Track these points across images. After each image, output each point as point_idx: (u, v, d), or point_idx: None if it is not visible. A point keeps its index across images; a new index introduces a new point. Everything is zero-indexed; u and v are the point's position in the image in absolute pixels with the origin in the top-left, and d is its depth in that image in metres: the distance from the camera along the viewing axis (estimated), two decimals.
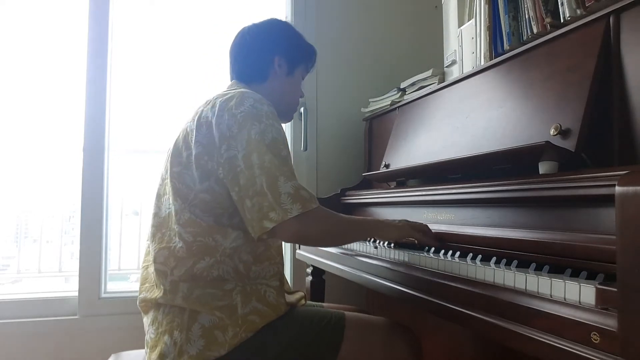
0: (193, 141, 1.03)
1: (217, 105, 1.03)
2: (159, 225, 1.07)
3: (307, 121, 2.15)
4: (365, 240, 1.43)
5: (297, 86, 1.27)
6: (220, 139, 0.99)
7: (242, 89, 1.09)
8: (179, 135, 1.09)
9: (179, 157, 1.05)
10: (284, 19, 1.33)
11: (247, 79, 1.20)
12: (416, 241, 1.18)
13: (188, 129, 1.07)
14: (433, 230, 1.19)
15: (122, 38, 2.11)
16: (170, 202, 1.05)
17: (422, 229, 1.18)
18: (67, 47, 2.10)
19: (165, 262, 1.01)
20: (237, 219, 1.01)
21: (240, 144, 0.98)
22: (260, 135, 0.98)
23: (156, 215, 1.09)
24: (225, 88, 1.20)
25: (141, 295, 1.07)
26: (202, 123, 1.03)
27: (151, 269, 1.05)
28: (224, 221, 1.02)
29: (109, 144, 2.03)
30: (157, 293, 1.02)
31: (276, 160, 0.97)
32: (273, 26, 1.24)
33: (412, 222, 1.19)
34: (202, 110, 1.06)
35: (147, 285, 1.08)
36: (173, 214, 1.03)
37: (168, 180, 1.06)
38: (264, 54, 1.20)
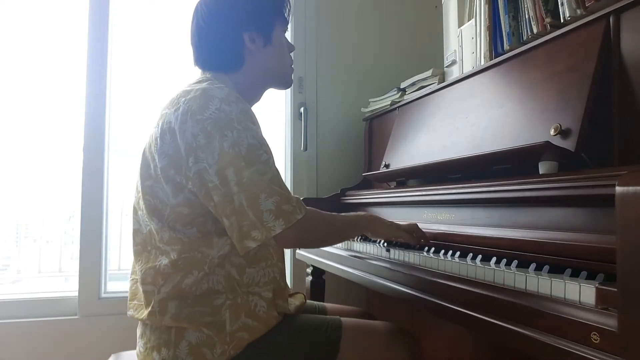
0: (157, 152, 0.94)
1: (180, 107, 0.93)
2: (143, 243, 1.01)
3: (307, 121, 2.15)
4: (356, 236, 1.45)
5: (282, 48, 1.11)
6: (187, 150, 0.90)
7: (205, 85, 0.96)
8: (146, 144, 1.01)
9: (148, 169, 0.98)
10: None
11: (222, 68, 1.07)
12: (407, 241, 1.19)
13: (153, 137, 0.97)
14: (433, 231, 1.20)
15: (122, 38, 2.11)
16: (147, 220, 0.99)
17: (411, 229, 1.17)
18: (67, 47, 2.10)
19: (153, 282, 0.96)
20: (221, 224, 0.93)
21: (210, 156, 0.89)
22: (234, 147, 0.89)
23: (138, 231, 1.02)
24: (199, 76, 1.08)
25: (129, 312, 1.03)
26: (165, 130, 0.94)
27: (140, 287, 1.00)
28: (209, 228, 0.95)
29: (109, 144, 2.03)
30: (145, 313, 0.97)
31: (256, 175, 0.89)
32: None
33: (402, 223, 1.19)
34: (166, 114, 0.96)
35: (135, 302, 1.03)
36: (154, 232, 0.97)
37: (141, 196, 0.99)
38: (229, 36, 1.05)
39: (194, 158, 0.90)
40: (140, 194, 1.00)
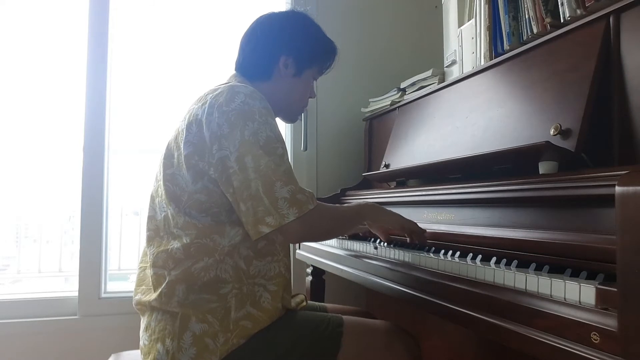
0: (183, 141, 1.00)
1: (208, 102, 1.00)
2: (156, 229, 1.05)
3: (307, 121, 2.15)
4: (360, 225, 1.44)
5: (305, 88, 1.20)
6: (211, 138, 0.97)
7: (232, 83, 1.05)
8: (171, 137, 1.07)
9: (171, 159, 1.03)
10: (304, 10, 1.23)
11: (249, 75, 1.15)
12: (407, 238, 1.19)
13: (179, 129, 1.04)
14: (433, 231, 1.19)
15: (122, 38, 2.11)
16: (164, 205, 1.03)
17: (412, 227, 1.18)
18: (67, 47, 2.10)
19: (164, 265, 1.00)
20: (235, 216, 0.99)
21: (232, 144, 0.95)
22: (253, 136, 0.95)
23: (152, 218, 1.07)
24: (226, 79, 1.17)
25: (136, 297, 1.06)
26: (192, 122, 1.00)
27: (149, 271, 1.03)
28: (222, 219, 0.99)
29: (109, 144, 2.03)
30: (152, 296, 1.00)
31: (272, 164, 0.94)
32: (288, 21, 1.17)
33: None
34: (193, 109, 1.03)
35: (143, 287, 1.06)
36: (170, 217, 1.02)
37: (161, 183, 1.04)
38: (271, 51, 1.14)
39: (218, 145, 0.96)
40: (160, 182, 1.05)
